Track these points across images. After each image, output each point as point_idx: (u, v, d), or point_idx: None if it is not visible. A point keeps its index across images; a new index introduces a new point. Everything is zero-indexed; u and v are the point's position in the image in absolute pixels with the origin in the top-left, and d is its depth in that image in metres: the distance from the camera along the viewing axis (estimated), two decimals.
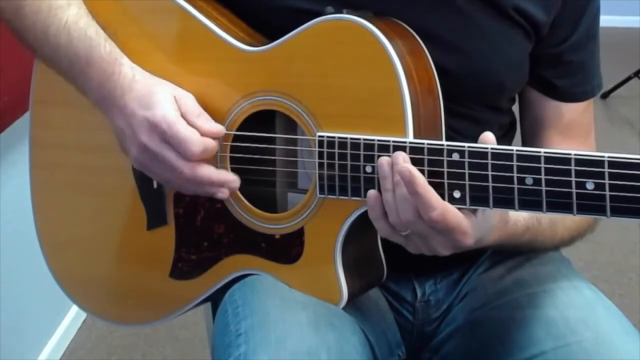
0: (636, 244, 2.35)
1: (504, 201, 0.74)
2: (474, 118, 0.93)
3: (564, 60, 0.95)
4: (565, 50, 0.94)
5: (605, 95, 3.51)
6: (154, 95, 0.85)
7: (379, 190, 0.78)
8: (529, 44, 0.92)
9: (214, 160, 0.88)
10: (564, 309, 0.88)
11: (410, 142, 0.77)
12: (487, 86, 0.91)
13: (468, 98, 0.91)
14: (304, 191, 0.86)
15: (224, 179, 0.86)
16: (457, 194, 0.76)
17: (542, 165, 0.72)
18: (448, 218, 0.74)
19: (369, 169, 0.80)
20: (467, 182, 0.75)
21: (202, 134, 0.84)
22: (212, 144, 0.84)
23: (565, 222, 0.91)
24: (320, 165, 0.82)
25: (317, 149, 0.82)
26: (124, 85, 0.86)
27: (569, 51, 0.94)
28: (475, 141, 0.76)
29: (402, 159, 0.76)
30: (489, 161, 0.74)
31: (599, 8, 0.95)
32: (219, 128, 0.85)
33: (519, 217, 0.84)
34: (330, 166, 0.82)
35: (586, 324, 0.85)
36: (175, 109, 0.84)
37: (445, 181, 0.76)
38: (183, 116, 0.84)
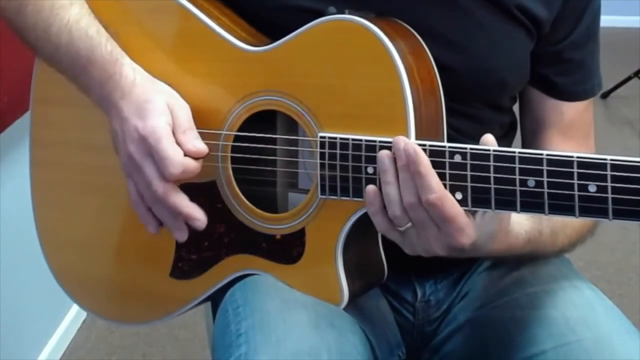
0: (636, 244, 2.36)
1: (506, 203, 0.74)
2: (475, 117, 0.93)
3: (564, 58, 0.95)
4: (566, 48, 0.94)
5: (605, 95, 3.51)
6: (149, 104, 0.84)
7: (379, 189, 0.78)
8: (530, 42, 0.92)
9: (214, 160, 0.88)
10: (564, 309, 0.88)
11: (412, 143, 0.77)
12: (489, 84, 0.92)
13: (470, 96, 0.92)
14: (305, 191, 0.86)
15: (191, 214, 0.85)
16: (459, 196, 0.75)
17: (545, 167, 0.72)
18: (445, 205, 0.74)
19: (370, 169, 0.80)
20: (469, 184, 0.75)
21: (185, 153, 0.83)
22: (192, 165, 0.84)
23: (566, 231, 0.91)
24: (322, 165, 0.82)
25: (318, 149, 0.82)
26: (125, 87, 0.86)
27: (569, 49, 0.94)
28: (477, 140, 0.76)
29: (403, 142, 0.76)
30: (491, 163, 0.74)
31: (599, 7, 0.95)
32: (200, 148, 0.84)
33: (521, 230, 0.84)
34: (332, 167, 0.82)
35: (586, 324, 0.85)
36: (167, 122, 0.84)
37: (447, 183, 0.76)
38: (172, 130, 0.84)
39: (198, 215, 0.86)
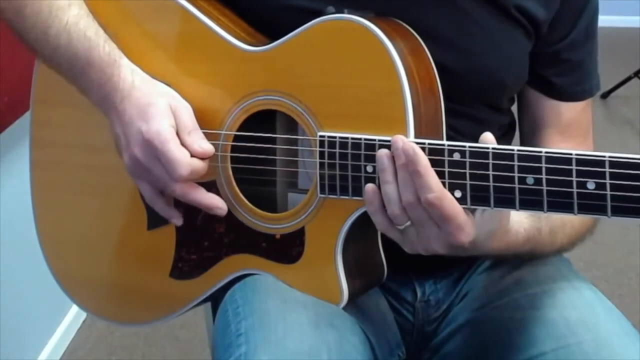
0: (636, 244, 2.36)
1: (505, 201, 0.74)
2: (474, 117, 0.93)
3: (562, 59, 0.95)
4: (564, 48, 0.94)
5: (605, 95, 3.52)
6: (151, 107, 0.84)
7: (379, 188, 0.78)
8: (529, 43, 0.92)
9: (214, 160, 0.88)
10: (563, 310, 0.88)
11: (411, 142, 0.77)
12: (488, 85, 0.92)
13: (469, 97, 0.92)
14: (305, 191, 0.86)
15: (212, 204, 0.87)
16: (458, 194, 0.76)
17: (543, 165, 0.72)
18: (444, 204, 0.75)
19: (369, 168, 0.80)
20: (468, 182, 0.75)
21: (191, 154, 0.84)
22: (200, 165, 0.84)
23: (565, 229, 0.91)
24: (321, 165, 0.82)
25: (318, 148, 0.82)
26: (124, 90, 0.86)
27: (567, 49, 0.94)
28: (475, 141, 0.76)
29: (402, 141, 0.76)
30: (490, 161, 0.74)
31: (597, 8, 0.95)
32: (206, 149, 0.85)
33: (520, 229, 0.84)
34: (331, 166, 0.82)
35: (586, 325, 0.85)
36: (171, 125, 0.84)
37: (447, 181, 0.76)
38: (177, 132, 0.84)
39: (218, 204, 0.87)
